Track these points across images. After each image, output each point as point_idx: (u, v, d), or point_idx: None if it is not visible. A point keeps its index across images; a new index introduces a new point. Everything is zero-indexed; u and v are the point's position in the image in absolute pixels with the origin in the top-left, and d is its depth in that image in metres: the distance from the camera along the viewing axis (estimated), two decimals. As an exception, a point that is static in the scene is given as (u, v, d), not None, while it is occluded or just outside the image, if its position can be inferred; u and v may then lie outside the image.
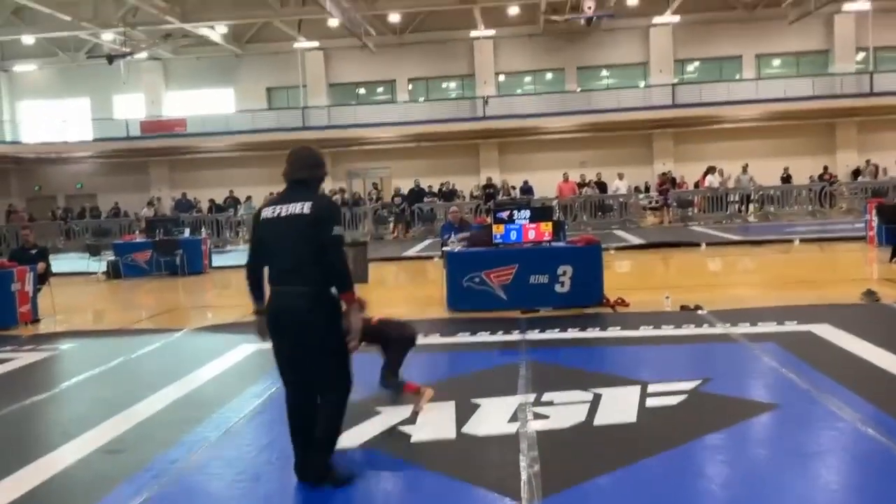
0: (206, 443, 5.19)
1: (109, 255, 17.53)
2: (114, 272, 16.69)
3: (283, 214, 4.22)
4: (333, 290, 4.24)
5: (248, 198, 27.59)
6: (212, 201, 27.06)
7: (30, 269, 10.78)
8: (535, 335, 8.13)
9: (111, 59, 27.27)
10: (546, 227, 9.90)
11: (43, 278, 11.40)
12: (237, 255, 21.10)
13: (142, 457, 4.92)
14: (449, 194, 26.14)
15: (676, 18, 29.38)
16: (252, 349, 8.21)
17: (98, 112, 33.45)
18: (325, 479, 4.29)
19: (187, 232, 18.12)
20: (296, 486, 4.45)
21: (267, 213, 4.30)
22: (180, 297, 13.84)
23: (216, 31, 29.89)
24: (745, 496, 3.95)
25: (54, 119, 33.13)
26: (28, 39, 30.11)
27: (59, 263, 17.77)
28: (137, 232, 20.00)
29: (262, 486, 4.47)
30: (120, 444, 5.23)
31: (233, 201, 27.35)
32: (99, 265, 17.48)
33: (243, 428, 5.52)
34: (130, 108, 33.23)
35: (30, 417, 6.17)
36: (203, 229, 20.51)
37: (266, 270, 4.35)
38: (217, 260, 18.40)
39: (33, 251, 11.70)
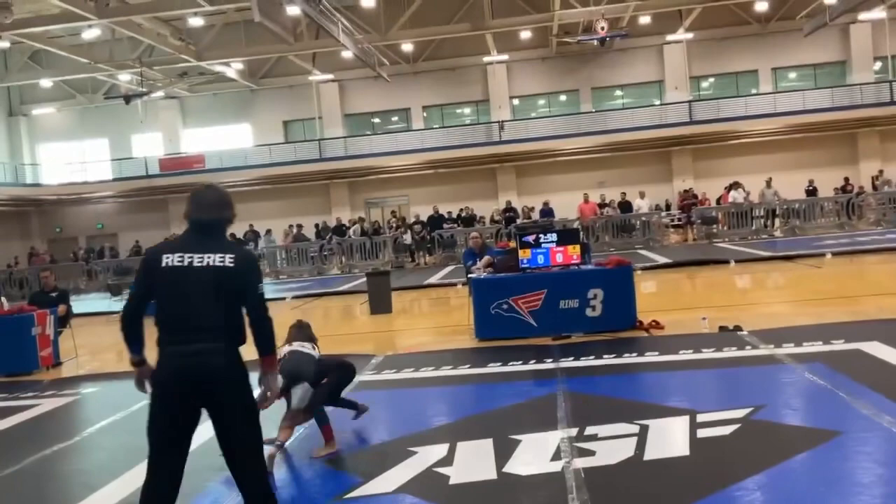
0: (233, 492, 4.93)
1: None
2: (135, 311, 16.52)
3: (196, 265, 3.72)
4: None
5: (268, 231, 27.54)
6: (232, 235, 27.03)
7: (50, 312, 10.63)
8: (569, 363, 7.83)
9: (128, 98, 27.47)
10: (574, 250, 9.63)
11: (64, 321, 11.25)
12: (258, 289, 20.96)
13: (167, 509, 4.66)
14: (469, 220, 25.91)
15: (690, 35, 29.21)
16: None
17: (117, 152, 33.71)
18: None
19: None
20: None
21: (171, 259, 3.74)
22: (202, 335, 13.64)
23: (232, 68, 30.09)
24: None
25: (74, 161, 33.40)
26: (46, 83, 30.45)
27: (80, 305, 17.70)
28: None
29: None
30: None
31: (253, 234, 27.31)
32: (120, 305, 17.35)
33: (275, 473, 5.25)
34: (149, 146, 33.45)
35: (51, 467, 5.94)
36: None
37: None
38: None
39: (53, 294, 11.57)
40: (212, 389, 3.68)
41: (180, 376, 3.66)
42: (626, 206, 24.94)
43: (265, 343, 3.84)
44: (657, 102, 31.43)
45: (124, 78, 29.36)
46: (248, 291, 3.78)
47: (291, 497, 4.81)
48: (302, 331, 6.04)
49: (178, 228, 31.60)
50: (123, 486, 5.19)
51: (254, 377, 3.87)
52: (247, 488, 3.77)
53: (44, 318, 10.40)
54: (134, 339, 3.85)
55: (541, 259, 9.65)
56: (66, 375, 9.94)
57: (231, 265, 3.73)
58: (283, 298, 17.58)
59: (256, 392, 3.88)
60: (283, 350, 5.74)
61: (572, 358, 8.04)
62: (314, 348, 5.91)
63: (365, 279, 14.63)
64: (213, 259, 3.72)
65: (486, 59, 30.48)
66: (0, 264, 27.53)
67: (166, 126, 33.66)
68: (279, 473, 5.26)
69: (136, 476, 5.31)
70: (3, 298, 11.39)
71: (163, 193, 32.60)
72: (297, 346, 5.81)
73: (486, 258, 10.33)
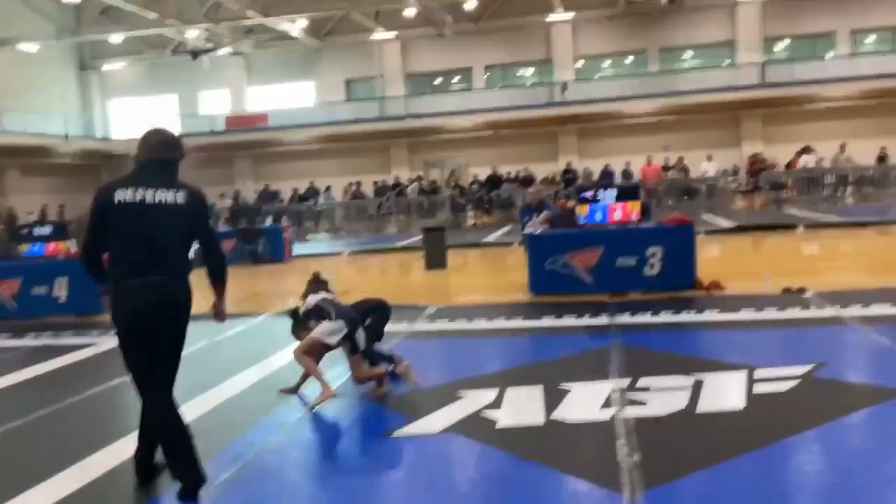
0: (285, 426, 5.03)
1: (194, 246, 17.82)
2: (199, 260, 16.93)
3: (148, 201, 3.86)
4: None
5: (328, 188, 27.79)
6: (295, 190, 27.39)
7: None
8: (625, 319, 7.70)
9: (195, 55, 27.85)
10: (633, 207, 9.42)
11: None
12: (318, 244, 21.24)
13: (220, 439, 4.79)
14: (527, 180, 25.67)
15: (765, -7, 28.05)
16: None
17: (185, 107, 34.29)
18: (203, 481, 3.92)
19: (269, 221, 18.29)
20: (373, 467, 4.22)
21: (125, 195, 3.87)
22: (262, 284, 13.91)
23: (296, 26, 30.16)
24: (877, 491, 3.49)
25: (143, 115, 34.13)
26: (116, 38, 31.01)
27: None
28: (221, 221, 20.31)
29: (340, 470, 4.25)
30: (199, 426, 5.07)
31: (313, 192, 27.60)
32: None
33: (322, 412, 5.32)
34: (215, 103, 33.94)
35: (111, 401, 6.15)
36: (284, 219, 20.68)
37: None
38: (298, 249, 18.50)
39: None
40: (169, 318, 3.94)
41: (146, 307, 3.85)
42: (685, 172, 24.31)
43: (218, 272, 4.21)
44: (727, 63, 30.39)
45: (191, 34, 29.74)
46: (199, 227, 4.04)
47: (342, 433, 4.87)
48: (320, 283, 6.01)
49: (241, 185, 32.18)
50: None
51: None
52: (152, 405, 4.07)
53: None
54: (99, 275, 4.05)
55: (599, 215, 9.48)
56: (131, 317, 10.23)
57: (182, 202, 3.92)
58: (340, 253, 17.77)
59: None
60: (312, 299, 5.74)
61: (628, 314, 7.90)
62: (336, 298, 5.89)
63: (421, 237, 14.64)
64: (166, 196, 3.89)
65: (551, 17, 29.82)
66: (71, 215, 28.48)
67: (232, 83, 34.05)
68: (331, 410, 5.32)
69: (193, 409, 5.49)
70: (71, 241, 11.75)
71: (228, 150, 33.12)
72: (324, 294, 5.79)
73: (544, 213, 10.21)
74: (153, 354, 3.95)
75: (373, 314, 5.97)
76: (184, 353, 6.80)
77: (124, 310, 3.87)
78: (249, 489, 3.95)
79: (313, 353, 5.50)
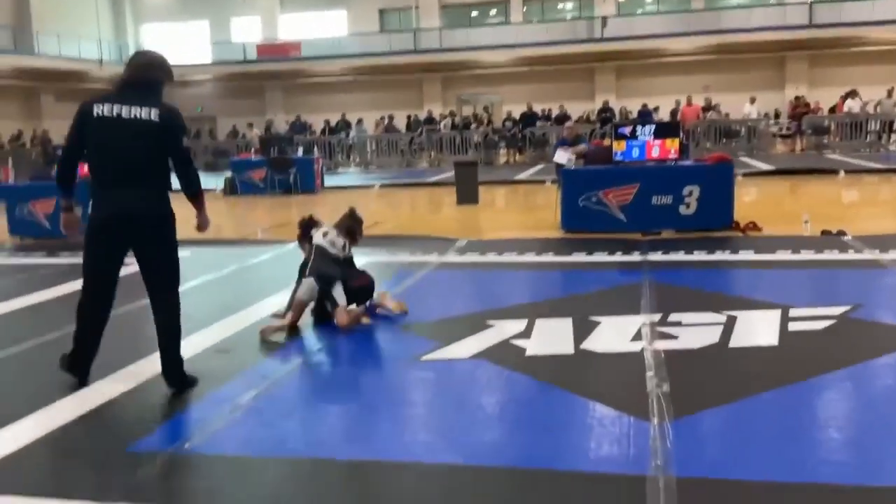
0: (314, 348, 5.07)
1: (227, 174, 17.90)
2: (230, 189, 17.04)
3: (123, 116, 4.04)
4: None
5: (360, 121, 27.59)
6: (326, 122, 27.25)
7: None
8: (657, 257, 7.61)
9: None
10: (672, 144, 9.21)
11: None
12: (349, 176, 21.21)
13: (251, 357, 4.85)
14: (562, 119, 25.24)
15: (818, -74, 26.83)
16: (362, 261, 8.06)
17: (217, 34, 34.04)
18: (185, 380, 4.27)
19: (300, 151, 18.25)
20: (401, 387, 4.25)
21: (102, 109, 4.05)
22: (293, 213, 13.95)
23: (330, -49, 29.60)
24: (913, 430, 3.44)
25: (175, 41, 33.95)
26: (150, -38, 30.76)
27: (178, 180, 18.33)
28: (253, 151, 20.33)
29: (367, 390, 4.29)
30: (230, 345, 5.18)
31: (344, 124, 27.43)
32: (217, 182, 17.89)
33: (352, 336, 5.35)
34: (247, 30, 33.62)
35: (145, 316, 6.21)
36: (315, 150, 20.62)
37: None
38: (329, 180, 18.49)
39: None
40: (139, 229, 4.13)
41: (113, 217, 4.08)
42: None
43: (190, 187, 4.33)
44: (774, 2, 29.32)
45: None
46: (171, 144, 4.14)
47: (371, 356, 4.91)
48: (346, 221, 5.92)
49: (273, 116, 32.08)
50: (213, 335, 5.40)
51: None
52: (160, 313, 4.34)
53: (144, 184, 10.78)
54: (66, 186, 4.28)
55: (636, 152, 9.29)
56: (164, 240, 10.34)
57: (156, 120, 4.05)
58: (372, 186, 17.73)
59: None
60: (319, 233, 5.71)
61: (661, 252, 7.81)
62: (346, 247, 5.78)
63: (453, 174, 14.52)
64: (140, 112, 4.04)
65: (593, -52, 28.94)
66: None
67: (264, 10, 33.64)
68: (360, 335, 5.35)
69: (225, 328, 5.56)
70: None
71: (259, 79, 32.95)
72: (326, 242, 5.70)
73: (582, 146, 10.01)
74: (109, 260, 4.23)
75: (355, 280, 5.75)
76: (214, 275, 6.88)
77: (92, 215, 4.14)
78: (276, 406, 3.99)
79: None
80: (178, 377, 4.26)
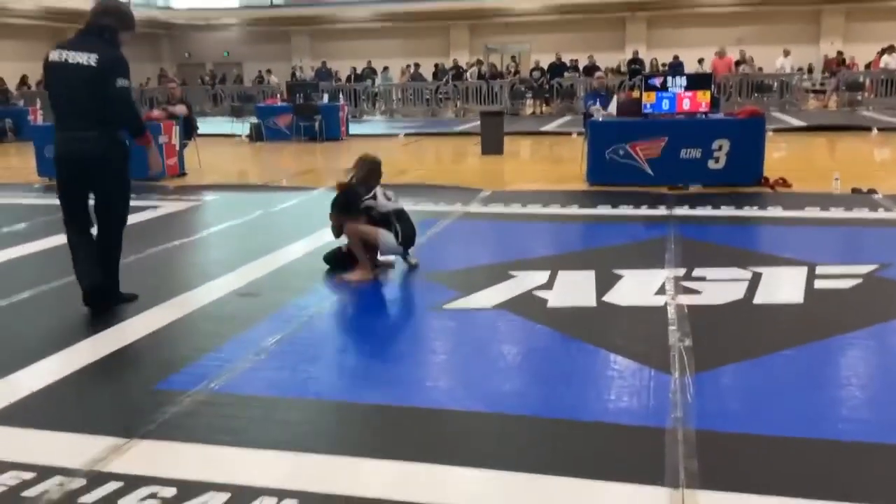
0: (338, 294, 5.11)
1: (253, 119, 17.87)
2: (256, 135, 17.04)
3: (69, 61, 4.41)
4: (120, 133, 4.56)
5: (385, 68, 27.34)
6: (353, 69, 27.01)
7: (175, 123, 11.03)
8: (683, 211, 7.54)
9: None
10: (703, 97, 9.04)
11: (188, 133, 11.69)
12: (374, 124, 21.10)
13: (276, 301, 4.90)
14: (591, 69, 24.83)
15: None
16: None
17: (244, -23, 33.64)
18: (119, 299, 4.73)
19: (326, 98, 18.16)
20: (423, 335, 4.29)
21: (54, 56, 4.47)
22: (318, 160, 13.96)
23: None
24: (937, 390, 3.42)
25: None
26: None
27: (205, 126, 18.34)
28: (279, 96, 20.26)
29: (390, 335, 4.33)
30: (255, 288, 5.23)
31: (370, 72, 27.19)
32: (243, 128, 17.90)
33: (376, 283, 5.38)
34: (274, -26, 33.17)
35: (172, 259, 6.32)
36: (341, 97, 20.49)
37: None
38: (354, 128, 18.42)
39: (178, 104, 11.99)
40: (88, 168, 4.51)
41: (64, 157, 4.53)
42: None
43: (130, 127, 4.59)
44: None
45: None
46: (109, 87, 4.38)
47: (394, 303, 4.94)
48: (367, 168, 5.66)
49: (299, 61, 31.84)
50: (238, 278, 5.46)
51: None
52: (100, 244, 4.70)
53: (170, 127, 10.82)
54: None
55: (666, 104, 9.13)
56: (190, 184, 10.43)
57: (93, 64, 4.36)
58: (396, 135, 17.64)
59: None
60: (383, 203, 5.47)
61: (687, 207, 7.74)
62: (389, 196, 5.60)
63: (478, 123, 14.39)
64: (81, 57, 4.38)
65: None
66: (133, 82, 28.72)
67: (292, -46, 33.15)
68: (384, 282, 5.38)
69: (250, 272, 5.61)
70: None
71: (286, 24, 32.62)
72: (386, 201, 5.50)
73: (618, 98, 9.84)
74: (70, 192, 4.62)
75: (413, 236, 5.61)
76: (240, 220, 6.94)
77: (54, 157, 4.61)
78: (301, 349, 4.05)
79: (367, 243, 5.44)
80: (105, 296, 4.68)
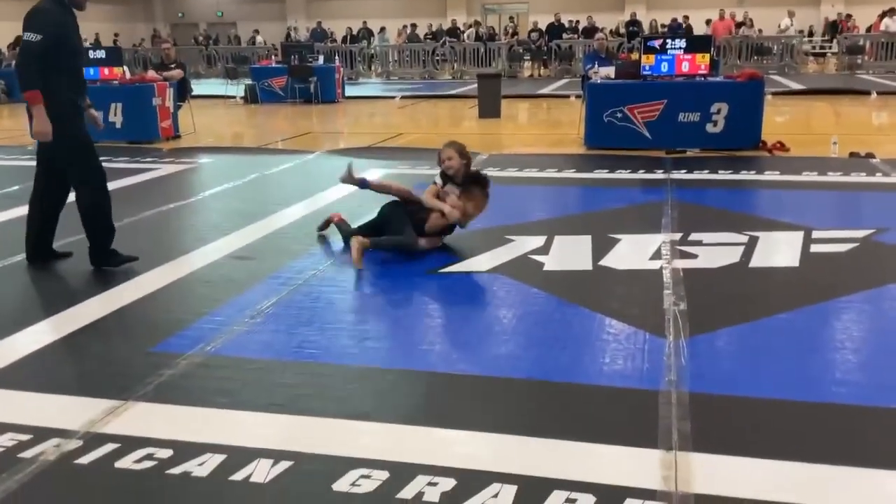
0: (334, 257, 5.10)
1: (247, 81, 17.70)
2: (251, 97, 16.89)
3: None
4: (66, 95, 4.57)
5: (382, 29, 27.03)
6: (349, 29, 26.69)
7: (170, 85, 10.92)
8: (681, 175, 7.51)
9: None
10: (703, 60, 8.96)
11: (182, 95, 11.58)
12: (370, 86, 20.91)
13: (271, 265, 4.89)
14: (589, 31, 24.57)
15: None
16: (381, 173, 8.05)
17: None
18: (118, 260, 4.82)
19: (321, 60, 17.96)
20: (418, 299, 4.29)
21: None
22: (314, 123, 13.85)
23: None
24: (930, 354, 3.43)
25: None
26: None
27: (199, 87, 18.18)
28: (273, 58, 20.04)
29: (385, 299, 4.33)
30: (250, 252, 5.22)
31: (366, 32, 26.89)
32: (237, 89, 17.72)
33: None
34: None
35: (167, 221, 6.29)
36: (337, 58, 20.27)
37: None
38: (350, 90, 18.26)
39: (173, 66, 11.84)
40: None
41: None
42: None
43: (18, 81, 4.47)
44: None
45: None
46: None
47: (390, 266, 4.92)
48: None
49: (294, 21, 31.44)
50: (233, 241, 5.45)
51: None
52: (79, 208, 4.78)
53: (163, 89, 10.71)
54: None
55: (665, 67, 9.06)
56: (185, 146, 10.35)
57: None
58: (393, 97, 17.49)
59: None
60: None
61: (685, 171, 7.71)
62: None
63: (475, 86, 14.26)
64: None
65: None
66: (125, 45, 28.39)
67: None
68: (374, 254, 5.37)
69: (245, 235, 5.60)
70: (125, 68, 11.74)
71: (280, -16, 32.20)
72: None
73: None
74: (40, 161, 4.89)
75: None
76: (235, 183, 6.90)
77: None
78: (296, 312, 4.05)
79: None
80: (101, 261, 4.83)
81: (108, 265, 4.80)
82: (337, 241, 5.43)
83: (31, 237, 4.92)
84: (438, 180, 5.41)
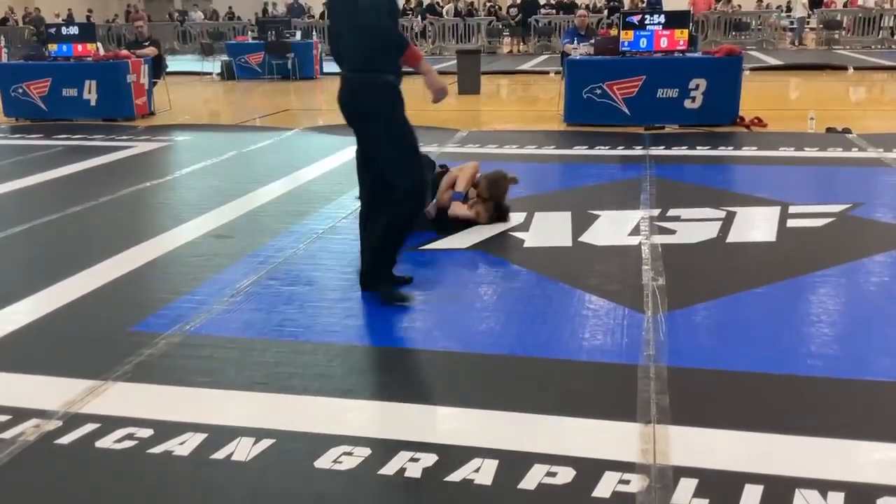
0: (313, 235, 5.08)
1: (224, 58, 17.47)
2: (228, 73, 16.68)
3: None
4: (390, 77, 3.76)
5: (360, 5, 26.69)
6: (325, 4, 26.32)
7: (144, 62, 10.75)
8: (659, 151, 7.54)
9: None
10: (681, 35, 8.95)
11: (157, 71, 11.41)
12: (348, 63, 20.69)
13: (250, 243, 4.86)
14: (568, 6, 24.44)
15: None
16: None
17: None
18: (380, 292, 3.89)
19: (299, 35, 17.76)
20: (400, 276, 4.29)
21: None
22: (292, 100, 13.72)
23: None
24: (902, 327, 3.49)
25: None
26: None
27: (175, 64, 17.91)
28: (250, 34, 19.78)
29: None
30: (229, 231, 5.19)
31: (343, 7, 26.56)
32: (213, 66, 17.50)
33: (351, 224, 5.33)
34: None
35: (144, 200, 6.23)
36: (314, 34, 20.04)
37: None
38: (328, 67, 18.06)
39: (146, 43, 11.66)
40: (358, 121, 3.84)
41: (341, 106, 3.89)
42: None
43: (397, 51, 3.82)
44: None
45: None
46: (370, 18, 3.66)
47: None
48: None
49: (271, -3, 30.95)
50: (211, 220, 5.41)
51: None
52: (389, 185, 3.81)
53: (138, 66, 10.55)
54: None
55: (643, 42, 9.04)
56: (160, 123, 10.23)
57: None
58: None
59: None
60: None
61: (663, 147, 7.74)
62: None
63: (454, 62, 14.17)
64: None
65: None
66: (99, 20, 27.89)
67: None
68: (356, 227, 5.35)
69: (223, 214, 5.56)
70: (99, 44, 11.54)
71: (256, -43, 31.65)
72: None
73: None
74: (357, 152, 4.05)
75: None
76: (212, 161, 6.83)
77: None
78: (276, 290, 4.04)
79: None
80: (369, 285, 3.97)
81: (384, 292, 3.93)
82: (318, 218, 5.41)
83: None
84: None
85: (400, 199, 3.76)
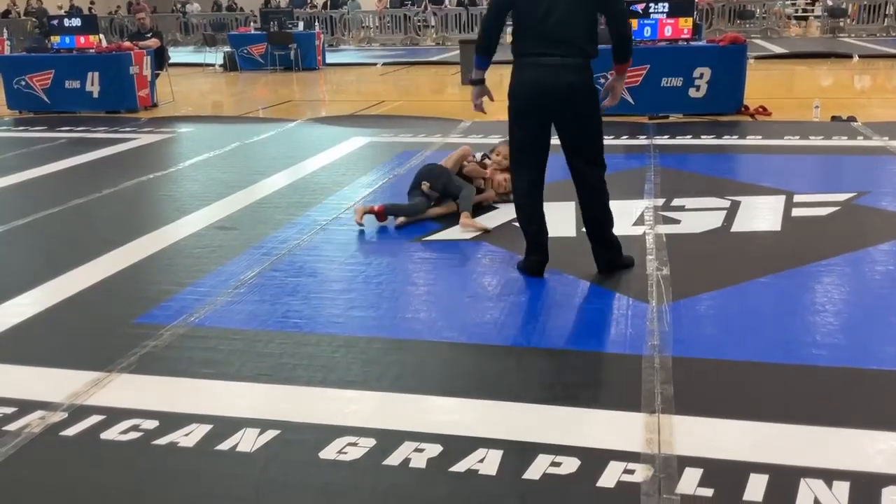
0: (317, 226, 5.08)
1: (226, 49, 17.44)
2: (230, 64, 16.65)
3: None
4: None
5: (360, -6, 26.60)
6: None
7: (147, 53, 10.74)
8: (664, 140, 7.52)
9: None
10: (686, 24, 8.91)
11: (160, 62, 11.40)
12: (351, 53, 20.66)
13: (254, 235, 4.86)
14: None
15: None
16: (364, 141, 8.01)
17: None
18: (618, 266, 4.01)
19: (301, 26, 17.71)
20: (403, 268, 4.29)
21: None
22: (294, 91, 13.69)
23: None
24: (908, 315, 3.48)
25: None
26: None
27: (177, 55, 17.91)
28: (252, 25, 19.74)
29: (369, 266, 4.32)
30: (233, 222, 5.19)
31: (347, -2, 26.47)
32: (216, 57, 17.47)
33: (354, 215, 5.34)
34: None
35: (147, 192, 6.23)
36: (317, 24, 19.99)
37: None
38: (330, 57, 18.04)
39: (149, 35, 11.65)
40: (564, 104, 3.81)
41: (535, 89, 3.79)
42: None
43: (625, 52, 3.94)
44: None
45: None
46: (609, 2, 3.73)
47: (374, 235, 4.91)
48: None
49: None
50: (215, 212, 5.41)
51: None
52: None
53: (140, 57, 10.53)
54: (487, 55, 4.03)
55: (647, 31, 8.99)
56: (163, 115, 10.22)
57: None
58: (374, 64, 17.31)
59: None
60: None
61: (668, 136, 7.71)
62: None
63: (458, 52, 14.11)
64: None
65: None
66: (101, 12, 27.84)
67: None
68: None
69: (227, 205, 5.56)
70: (101, 36, 11.53)
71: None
72: None
73: None
74: (533, 135, 4.08)
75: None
76: (216, 152, 6.82)
77: (513, 87, 3.96)
78: (281, 282, 4.04)
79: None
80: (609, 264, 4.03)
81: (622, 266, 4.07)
82: (321, 209, 5.41)
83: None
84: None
85: (597, 184, 4.09)
